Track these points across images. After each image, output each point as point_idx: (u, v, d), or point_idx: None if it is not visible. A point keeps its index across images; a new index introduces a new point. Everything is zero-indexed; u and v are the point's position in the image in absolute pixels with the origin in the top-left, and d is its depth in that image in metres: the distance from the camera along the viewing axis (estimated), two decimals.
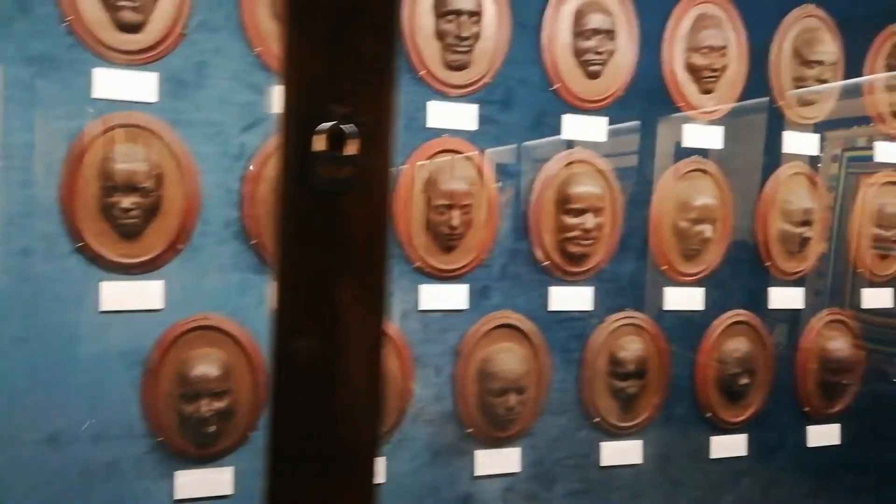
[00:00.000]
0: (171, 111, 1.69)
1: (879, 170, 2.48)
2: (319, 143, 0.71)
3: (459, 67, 1.90)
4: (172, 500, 1.75)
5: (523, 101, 2.01)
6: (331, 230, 0.79)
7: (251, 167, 1.75)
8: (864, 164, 2.61)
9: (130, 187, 1.63)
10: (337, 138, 0.78)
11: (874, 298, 2.48)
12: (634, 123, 2.14)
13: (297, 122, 0.73)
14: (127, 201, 1.63)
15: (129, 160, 1.63)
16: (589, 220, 2.02)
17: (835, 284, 2.44)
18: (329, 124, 0.72)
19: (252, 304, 1.79)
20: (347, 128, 0.80)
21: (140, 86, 1.65)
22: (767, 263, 2.30)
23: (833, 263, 2.45)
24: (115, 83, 1.64)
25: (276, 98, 1.76)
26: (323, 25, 0.77)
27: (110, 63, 1.64)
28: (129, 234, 1.66)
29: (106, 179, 1.63)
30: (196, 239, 1.73)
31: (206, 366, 1.72)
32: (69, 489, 1.70)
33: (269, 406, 0.69)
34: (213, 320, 1.74)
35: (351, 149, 0.79)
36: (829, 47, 2.26)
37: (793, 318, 2.38)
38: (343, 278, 0.78)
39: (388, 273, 0.83)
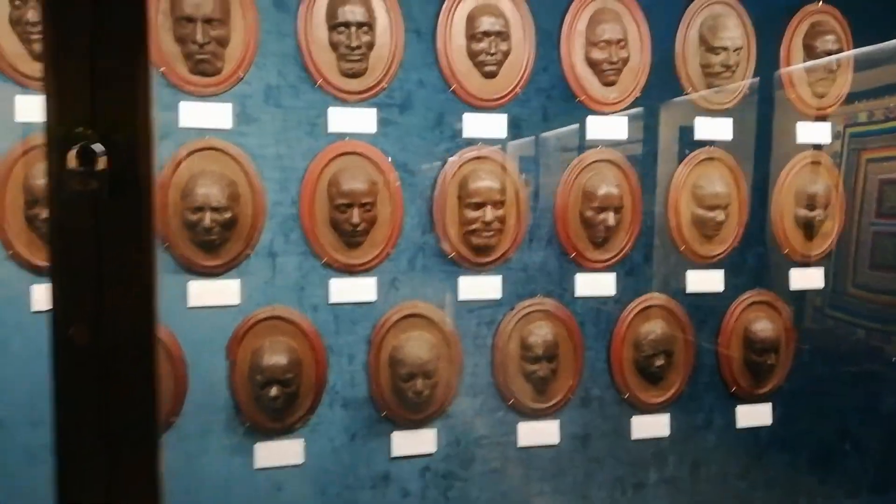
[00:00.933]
0: None
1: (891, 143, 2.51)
2: (73, 162, 0.88)
3: (354, 75, 2.04)
4: None
5: (422, 102, 2.13)
6: (93, 234, 0.96)
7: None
8: (866, 139, 2.63)
9: None
10: (88, 157, 0.95)
11: (802, 279, 2.50)
12: (537, 118, 2.23)
13: (55, 143, 0.90)
14: (47, 213, 1.83)
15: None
16: (488, 213, 2.12)
17: (760, 265, 2.48)
18: (80, 144, 0.89)
19: (169, 303, 1.97)
20: (97, 147, 0.97)
21: None
22: (682, 248, 2.36)
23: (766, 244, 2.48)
24: (35, 108, 1.84)
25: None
26: (78, 54, 0.93)
27: (28, 90, 1.85)
28: None
29: (28, 194, 1.84)
30: None
31: None
32: (15, 469, 1.92)
33: (52, 390, 0.86)
34: None
35: (101, 165, 0.96)
36: (733, 33, 2.30)
37: (714, 301, 2.43)
38: (109, 275, 0.95)
39: (155, 271, 0.99)
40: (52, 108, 0.92)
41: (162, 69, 1.91)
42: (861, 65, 2.49)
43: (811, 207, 2.45)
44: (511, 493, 2.28)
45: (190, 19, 1.87)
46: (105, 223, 0.98)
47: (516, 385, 2.25)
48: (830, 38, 2.40)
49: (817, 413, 2.54)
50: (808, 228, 2.47)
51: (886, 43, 2.50)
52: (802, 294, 2.53)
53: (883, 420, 2.63)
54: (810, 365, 2.54)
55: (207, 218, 1.89)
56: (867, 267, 2.60)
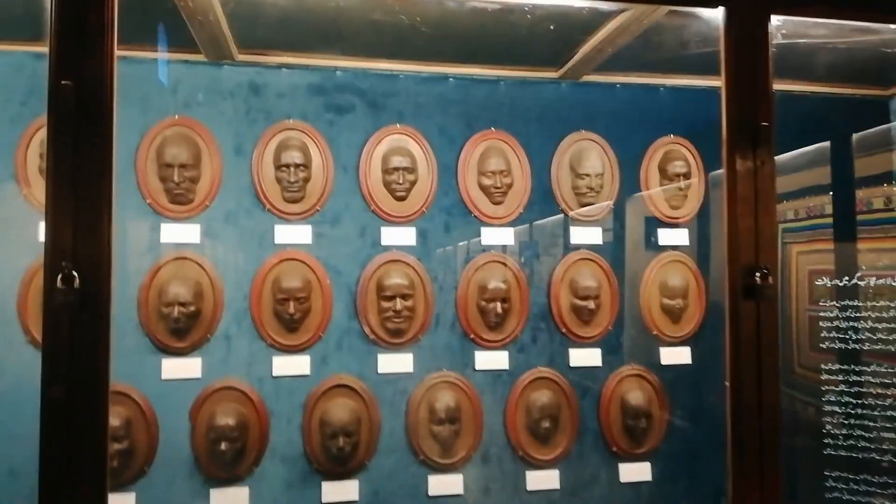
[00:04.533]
0: None
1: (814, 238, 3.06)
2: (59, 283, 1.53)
3: (294, 201, 2.70)
4: None
5: (348, 219, 2.78)
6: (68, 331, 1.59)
7: None
8: (797, 234, 3.21)
9: None
10: (68, 280, 1.59)
11: (670, 356, 3.03)
12: (440, 230, 2.86)
13: (49, 270, 1.56)
14: None
15: None
16: (398, 303, 2.72)
17: (632, 345, 3.01)
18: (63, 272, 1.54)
19: (147, 376, 2.56)
20: (74, 273, 1.61)
21: None
22: (563, 330, 2.92)
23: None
24: None
25: None
26: (65, 225, 1.60)
27: None
28: None
29: None
30: None
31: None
32: None
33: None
34: None
35: (76, 285, 1.60)
36: (594, 162, 2.94)
37: (593, 374, 2.95)
38: (78, 351, 1.58)
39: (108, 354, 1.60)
40: (49, 249, 1.58)
41: (148, 201, 2.59)
42: (786, 169, 3.05)
43: (672, 297, 3.00)
44: None
45: (169, 165, 2.56)
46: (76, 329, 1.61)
47: (426, 444, 2.76)
48: (679, 163, 3.04)
49: (692, 472, 3.00)
50: (672, 314, 3.01)
51: (807, 148, 3.09)
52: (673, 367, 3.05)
53: None
54: (683, 430, 3.02)
55: (176, 311, 2.51)
56: (808, 349, 3.09)
